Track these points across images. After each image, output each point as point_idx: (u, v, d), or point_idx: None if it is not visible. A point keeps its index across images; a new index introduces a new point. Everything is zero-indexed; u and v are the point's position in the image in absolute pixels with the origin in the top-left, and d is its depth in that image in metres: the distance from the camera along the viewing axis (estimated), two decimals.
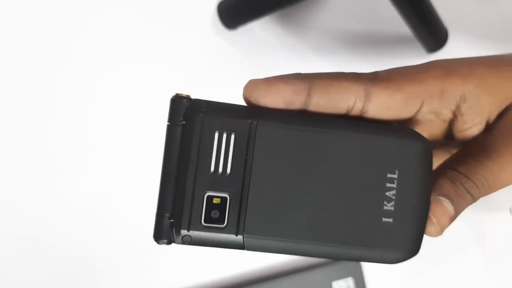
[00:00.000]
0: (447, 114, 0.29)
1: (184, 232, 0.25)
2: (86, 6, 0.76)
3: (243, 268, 0.72)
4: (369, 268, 0.70)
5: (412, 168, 0.26)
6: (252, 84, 0.26)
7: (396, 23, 0.76)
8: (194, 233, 0.25)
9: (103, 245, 0.72)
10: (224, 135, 0.25)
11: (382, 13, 0.79)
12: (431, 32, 0.76)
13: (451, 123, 0.29)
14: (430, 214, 0.27)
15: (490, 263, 0.74)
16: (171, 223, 0.25)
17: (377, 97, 0.26)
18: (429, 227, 0.27)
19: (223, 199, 0.25)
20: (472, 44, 0.79)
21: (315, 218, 0.25)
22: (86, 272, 0.71)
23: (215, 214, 0.25)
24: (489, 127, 0.29)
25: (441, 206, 0.27)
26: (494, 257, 0.74)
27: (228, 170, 0.25)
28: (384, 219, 0.26)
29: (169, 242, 0.26)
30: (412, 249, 0.26)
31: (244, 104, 0.26)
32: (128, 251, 0.71)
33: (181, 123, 0.25)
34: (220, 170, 0.25)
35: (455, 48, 0.78)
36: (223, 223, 0.25)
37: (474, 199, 0.28)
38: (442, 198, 0.27)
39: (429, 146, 0.26)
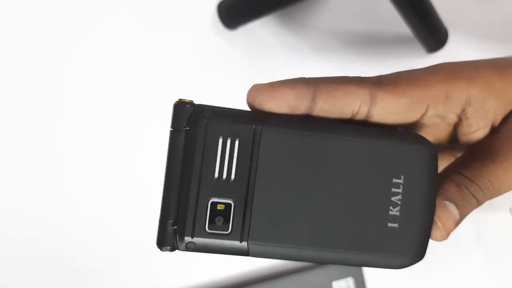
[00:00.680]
0: (452, 118, 0.28)
1: (188, 239, 0.25)
2: (86, 6, 0.76)
3: (243, 268, 0.72)
4: (369, 268, 0.70)
5: (417, 173, 0.26)
6: (256, 89, 0.26)
7: (396, 23, 0.76)
8: (198, 240, 0.25)
9: (103, 245, 0.72)
10: (228, 141, 0.25)
11: (382, 13, 0.79)
12: (431, 32, 0.76)
13: (456, 127, 0.29)
14: (435, 218, 0.26)
15: (491, 263, 0.74)
16: (175, 230, 0.25)
17: (382, 102, 0.26)
18: (435, 232, 0.27)
19: (227, 205, 0.25)
20: (472, 44, 0.79)
21: (320, 224, 0.25)
22: (86, 272, 0.71)
23: (219, 220, 0.25)
24: (494, 131, 0.29)
25: (446, 211, 0.27)
26: (494, 257, 0.74)
27: (233, 176, 0.25)
28: (389, 224, 0.25)
29: (172, 249, 0.25)
30: (417, 254, 0.26)
31: (248, 109, 0.26)
32: (128, 251, 0.71)
33: (185, 129, 0.25)
34: (224, 176, 0.25)
35: (455, 48, 0.78)
36: (228, 229, 0.25)
37: (479, 203, 0.28)
38: (447, 203, 0.27)
39: (434, 150, 0.26)
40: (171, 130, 0.25)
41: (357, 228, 0.25)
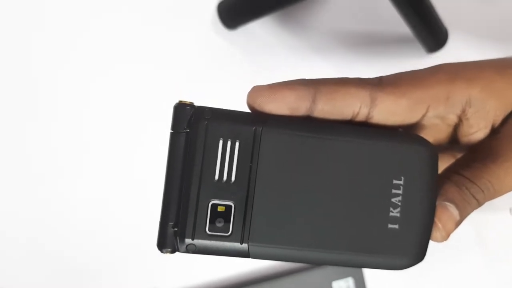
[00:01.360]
0: (453, 119, 0.28)
1: (188, 240, 0.25)
2: (86, 6, 0.76)
3: (243, 268, 0.72)
4: (369, 269, 0.70)
5: (418, 174, 0.26)
6: (256, 91, 0.26)
7: (396, 23, 0.76)
8: (199, 242, 0.25)
9: (103, 245, 0.72)
10: (229, 143, 0.25)
11: (382, 13, 0.79)
12: (431, 32, 0.76)
13: (456, 127, 0.29)
14: (435, 219, 0.26)
15: (491, 263, 0.74)
16: (175, 232, 0.25)
17: (383, 103, 0.26)
18: (435, 233, 0.27)
19: (228, 207, 0.25)
20: (472, 44, 0.79)
21: (321, 225, 0.25)
22: (86, 272, 0.71)
23: (219, 222, 0.25)
24: (495, 131, 0.29)
25: (446, 211, 0.27)
26: (495, 257, 0.74)
27: (233, 178, 0.25)
28: (390, 226, 0.26)
29: (173, 251, 0.25)
30: (418, 255, 0.26)
31: (248, 110, 0.26)
32: (128, 251, 0.71)
33: (185, 130, 0.25)
34: (225, 178, 0.25)
35: (455, 48, 0.78)
36: (228, 231, 0.25)
37: (479, 204, 0.28)
38: (448, 203, 0.27)
39: (435, 151, 0.26)
40: (171, 132, 0.25)
41: (357, 230, 0.25)
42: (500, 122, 0.28)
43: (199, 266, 0.71)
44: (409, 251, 0.26)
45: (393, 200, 0.26)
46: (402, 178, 0.26)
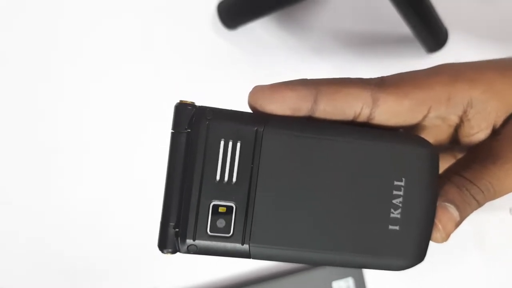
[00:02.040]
0: (454, 119, 0.28)
1: (189, 241, 0.25)
2: (86, 7, 0.76)
3: (243, 268, 0.72)
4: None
5: (418, 176, 0.26)
6: (258, 91, 0.25)
7: (396, 23, 0.76)
8: (200, 243, 0.25)
9: (103, 245, 0.72)
10: (230, 143, 0.25)
11: (382, 13, 0.79)
12: (431, 32, 0.76)
13: (457, 128, 0.29)
14: (435, 220, 0.26)
15: (491, 263, 0.74)
16: (176, 232, 0.25)
17: (385, 104, 0.26)
18: (435, 234, 0.27)
19: (229, 208, 0.25)
20: (472, 44, 0.79)
21: (322, 226, 0.25)
22: (87, 272, 0.71)
23: (220, 223, 0.25)
24: (496, 133, 0.29)
25: (447, 212, 0.27)
26: (494, 257, 0.74)
27: (234, 179, 0.25)
28: (390, 227, 0.26)
29: (174, 251, 0.25)
30: (418, 256, 0.26)
31: (249, 110, 0.26)
32: (128, 251, 0.71)
33: (186, 131, 0.25)
34: (226, 178, 0.25)
35: (455, 48, 0.78)
36: (229, 232, 0.25)
37: (479, 205, 0.28)
38: (448, 204, 0.27)
39: (436, 152, 0.26)
40: (172, 132, 0.25)
41: (358, 231, 0.25)
42: (501, 123, 0.28)
43: (199, 266, 0.71)
44: (409, 252, 0.26)
45: (394, 201, 0.26)
46: (403, 179, 0.26)
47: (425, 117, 0.27)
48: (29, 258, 0.70)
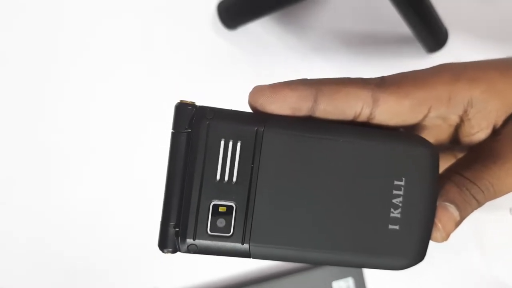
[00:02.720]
0: (454, 119, 0.28)
1: (189, 241, 0.25)
2: (85, 7, 0.76)
3: (243, 268, 0.72)
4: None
5: (419, 175, 0.26)
6: (258, 91, 0.25)
7: (396, 23, 0.76)
8: (200, 242, 0.25)
9: (104, 245, 0.72)
10: (230, 143, 0.25)
11: (382, 13, 0.79)
12: (431, 32, 0.76)
13: (458, 128, 0.29)
14: (436, 220, 0.26)
15: (491, 263, 0.74)
16: (177, 232, 0.25)
17: (385, 103, 0.26)
18: (435, 233, 0.27)
19: (229, 208, 0.25)
20: (472, 44, 0.79)
21: (322, 225, 0.25)
22: (87, 272, 0.71)
23: (221, 223, 0.25)
24: (496, 132, 0.29)
25: (447, 212, 0.27)
26: (494, 257, 0.74)
27: (234, 178, 0.25)
28: (390, 226, 0.26)
29: (174, 251, 0.25)
30: (418, 255, 0.26)
31: (250, 110, 0.26)
32: (128, 251, 0.71)
33: (186, 130, 0.25)
34: (226, 178, 0.25)
35: (455, 48, 0.78)
36: (229, 231, 0.25)
37: (479, 204, 0.28)
38: (448, 204, 0.27)
39: (436, 152, 0.26)
40: (172, 132, 0.25)
41: (358, 230, 0.25)
42: (502, 123, 0.28)
43: (199, 266, 0.71)
44: (409, 252, 0.26)
45: (394, 201, 0.26)
46: (403, 179, 0.26)
47: (425, 116, 0.27)
48: (29, 258, 0.70)
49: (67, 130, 0.73)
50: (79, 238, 0.71)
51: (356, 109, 0.26)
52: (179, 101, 0.25)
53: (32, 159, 0.72)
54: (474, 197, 0.27)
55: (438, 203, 0.27)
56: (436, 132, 0.30)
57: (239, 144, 0.25)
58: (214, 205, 0.25)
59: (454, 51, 0.78)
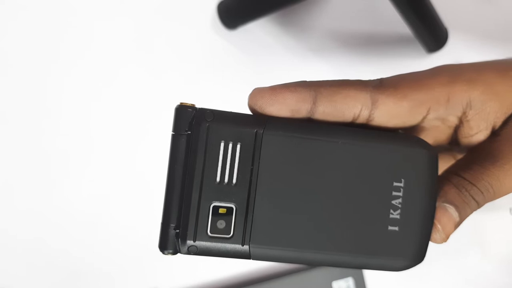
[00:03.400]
0: (453, 120, 0.29)
1: (190, 242, 0.25)
2: (85, 7, 0.76)
3: (243, 268, 0.72)
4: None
5: (418, 177, 0.26)
6: (257, 93, 0.26)
7: (396, 23, 0.76)
8: (200, 244, 0.25)
9: (104, 245, 0.72)
10: (230, 145, 0.25)
11: (382, 13, 0.79)
12: (431, 32, 0.76)
13: (457, 129, 0.29)
14: (435, 221, 0.27)
15: (491, 263, 0.74)
16: (177, 234, 0.25)
17: (384, 105, 0.26)
18: (434, 234, 0.27)
19: (229, 209, 0.25)
20: (472, 44, 0.79)
21: (322, 227, 0.25)
22: (87, 272, 0.71)
23: (221, 224, 0.25)
24: (495, 133, 0.29)
25: (446, 213, 0.27)
26: (494, 257, 0.74)
27: (234, 180, 0.25)
28: (390, 228, 0.26)
29: (174, 252, 0.25)
30: (417, 256, 0.26)
31: (249, 112, 0.26)
32: (129, 252, 0.71)
33: (186, 132, 0.25)
34: (226, 180, 0.25)
35: (455, 48, 0.78)
36: (229, 233, 0.25)
37: (479, 206, 0.28)
38: (447, 205, 0.27)
39: (435, 153, 0.26)
40: (172, 134, 0.25)
41: (358, 232, 0.25)
42: (501, 124, 0.28)
43: (199, 266, 0.72)
44: (409, 253, 0.26)
45: (393, 202, 0.26)
46: (402, 180, 0.26)
47: (424, 118, 0.27)
48: (29, 258, 0.70)
49: (68, 131, 0.73)
50: (79, 239, 0.71)
51: (355, 111, 0.26)
52: (179, 103, 0.25)
53: (33, 160, 0.72)
54: (474, 198, 0.27)
55: (437, 204, 0.27)
56: (435, 133, 0.30)
57: (238, 146, 0.25)
58: (214, 206, 0.25)
59: (454, 51, 0.78)
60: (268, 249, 0.25)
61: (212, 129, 0.25)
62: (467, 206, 0.27)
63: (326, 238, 0.25)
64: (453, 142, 0.31)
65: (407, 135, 0.28)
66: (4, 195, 0.71)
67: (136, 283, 0.72)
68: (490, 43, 0.79)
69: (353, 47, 0.79)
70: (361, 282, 0.71)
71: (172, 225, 0.25)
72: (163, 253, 0.25)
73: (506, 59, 0.30)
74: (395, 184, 0.26)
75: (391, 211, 0.26)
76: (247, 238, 0.25)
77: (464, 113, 0.28)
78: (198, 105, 0.26)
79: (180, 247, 0.25)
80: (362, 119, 0.26)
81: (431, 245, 0.27)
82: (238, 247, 0.25)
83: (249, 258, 0.25)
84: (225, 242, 0.25)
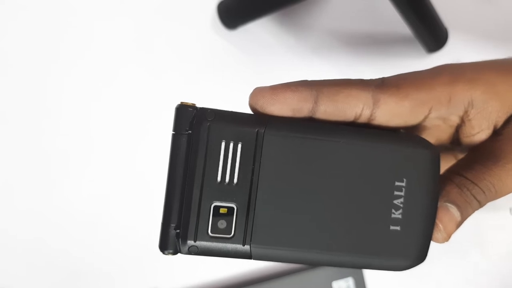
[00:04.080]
0: (455, 120, 0.28)
1: (190, 242, 0.25)
2: (85, 7, 0.76)
3: (243, 268, 0.72)
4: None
5: (420, 176, 0.26)
6: (258, 92, 0.25)
7: (396, 23, 0.76)
8: (201, 244, 0.25)
9: (105, 245, 0.72)
10: (231, 144, 0.25)
11: (382, 13, 0.79)
12: (431, 32, 0.76)
13: (458, 128, 0.29)
14: (437, 220, 0.26)
15: (491, 263, 0.74)
16: (177, 234, 0.25)
17: (385, 105, 0.26)
18: (436, 234, 0.27)
19: (230, 209, 0.25)
20: (472, 44, 0.79)
21: (323, 227, 0.25)
22: (87, 272, 0.71)
23: (222, 224, 0.25)
24: (497, 133, 0.29)
25: (448, 213, 0.27)
26: (494, 257, 0.74)
27: (235, 180, 0.25)
28: (392, 227, 0.26)
29: (175, 253, 0.25)
30: (419, 256, 0.26)
31: (250, 111, 0.26)
32: (129, 251, 0.71)
33: (187, 132, 0.25)
34: (227, 179, 0.25)
35: (455, 48, 0.78)
36: (230, 233, 0.25)
37: (480, 205, 0.28)
38: (449, 205, 0.27)
39: (437, 153, 0.26)
40: (173, 134, 0.25)
41: (359, 231, 0.25)
42: (502, 123, 0.28)
43: (199, 266, 0.71)
44: (410, 253, 0.26)
45: (395, 201, 0.26)
46: (404, 180, 0.26)
47: (426, 117, 0.27)
48: (30, 258, 0.70)
49: (68, 131, 0.73)
50: (79, 239, 0.71)
51: (357, 110, 0.26)
52: (179, 103, 0.25)
53: (33, 160, 0.72)
54: (475, 198, 0.27)
55: (439, 203, 0.27)
56: (436, 133, 0.30)
57: (239, 146, 0.25)
58: (215, 206, 0.25)
59: (454, 51, 0.78)
60: (270, 249, 0.25)
61: (213, 129, 0.25)
62: (469, 206, 0.27)
63: (328, 238, 0.25)
64: (455, 142, 0.30)
65: (409, 135, 0.28)
66: (4, 195, 0.71)
67: (136, 283, 0.72)
68: (490, 43, 0.79)
69: (353, 47, 0.79)
70: (361, 282, 0.71)
71: (173, 225, 0.25)
72: (164, 253, 0.25)
73: (507, 58, 0.29)
74: (397, 183, 0.26)
75: (393, 210, 0.26)
76: (248, 238, 0.25)
77: (466, 112, 0.28)
78: (198, 105, 0.25)
79: (181, 247, 0.25)
80: (363, 119, 0.26)
81: (432, 245, 0.27)
82: (239, 247, 0.25)
83: (250, 258, 0.25)
84: (226, 242, 0.25)
